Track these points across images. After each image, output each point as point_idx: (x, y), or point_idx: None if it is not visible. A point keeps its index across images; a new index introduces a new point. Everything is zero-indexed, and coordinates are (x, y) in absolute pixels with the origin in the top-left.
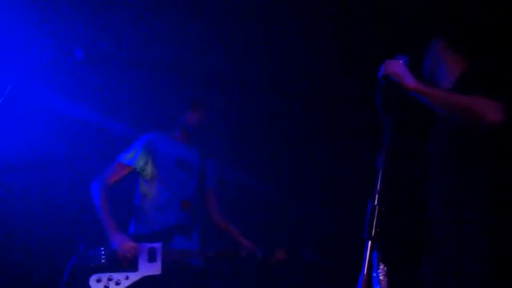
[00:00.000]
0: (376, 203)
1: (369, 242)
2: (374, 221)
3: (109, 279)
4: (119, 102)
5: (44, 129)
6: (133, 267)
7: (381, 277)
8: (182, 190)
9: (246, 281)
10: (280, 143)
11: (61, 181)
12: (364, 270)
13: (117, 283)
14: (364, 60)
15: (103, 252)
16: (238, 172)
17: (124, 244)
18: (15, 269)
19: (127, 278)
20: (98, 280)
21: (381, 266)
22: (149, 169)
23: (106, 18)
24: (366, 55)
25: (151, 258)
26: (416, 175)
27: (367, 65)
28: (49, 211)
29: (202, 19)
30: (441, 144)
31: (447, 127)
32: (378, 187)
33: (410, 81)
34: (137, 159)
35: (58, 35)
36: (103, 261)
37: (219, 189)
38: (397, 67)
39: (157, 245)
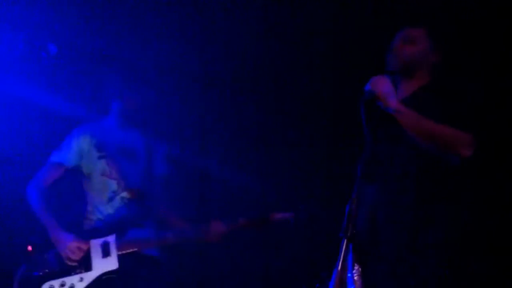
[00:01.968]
0: (354, 206)
1: (345, 240)
2: (351, 223)
3: (62, 285)
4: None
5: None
6: (87, 267)
7: (355, 278)
8: (127, 179)
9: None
10: (276, 143)
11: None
12: (338, 267)
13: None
14: (360, 60)
15: (53, 256)
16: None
17: (68, 245)
18: None
19: (81, 280)
20: None
21: (356, 267)
22: (87, 164)
23: (80, 12)
24: (362, 56)
25: (106, 253)
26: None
27: (363, 65)
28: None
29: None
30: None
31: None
32: (357, 192)
33: (392, 101)
34: (70, 156)
35: (31, 30)
36: (53, 266)
37: (170, 175)
38: (383, 85)
39: (111, 239)
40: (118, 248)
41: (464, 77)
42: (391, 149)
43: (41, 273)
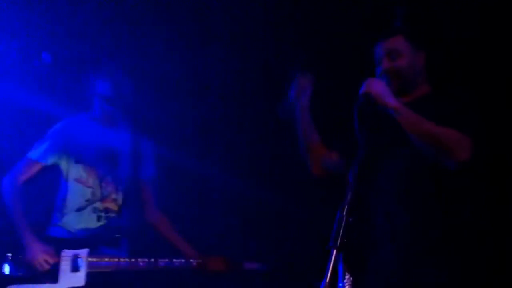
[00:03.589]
0: (344, 213)
1: (334, 251)
2: (341, 231)
3: None
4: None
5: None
6: (54, 279)
7: (347, 287)
8: (104, 188)
9: None
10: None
11: None
12: (326, 279)
13: None
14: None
15: (22, 261)
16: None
17: (39, 253)
18: None
19: None
20: None
21: (347, 276)
22: (64, 165)
23: (72, 21)
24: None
25: (74, 268)
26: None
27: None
28: None
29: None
30: (400, 163)
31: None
32: (348, 198)
33: (391, 100)
34: (46, 154)
35: (24, 38)
36: (21, 271)
37: (157, 179)
38: (379, 86)
39: (82, 254)
40: (88, 265)
41: (462, 84)
42: (387, 153)
43: (8, 275)
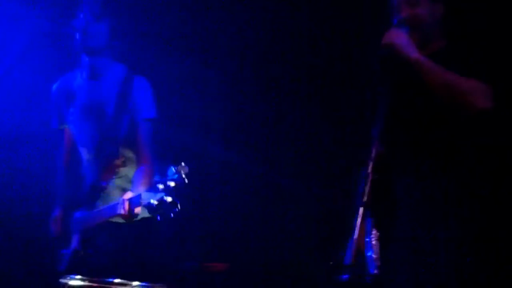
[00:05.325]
0: (369, 170)
1: (361, 209)
2: (367, 188)
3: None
4: None
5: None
6: (67, 244)
7: (373, 242)
8: (91, 144)
9: None
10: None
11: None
12: (355, 235)
13: None
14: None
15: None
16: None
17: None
18: None
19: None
20: None
21: (374, 231)
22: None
23: None
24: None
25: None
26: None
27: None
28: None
29: None
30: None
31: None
32: (372, 155)
33: (412, 53)
34: (55, 118)
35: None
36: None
37: (156, 121)
38: (400, 37)
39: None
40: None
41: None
42: (410, 109)
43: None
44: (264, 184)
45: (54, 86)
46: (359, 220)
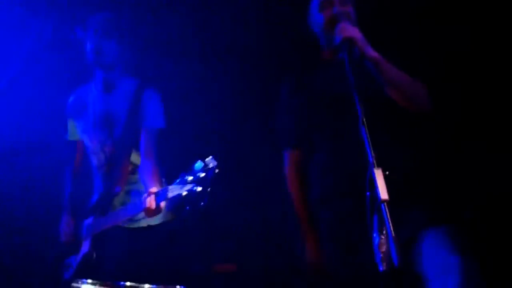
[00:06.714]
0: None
1: (384, 205)
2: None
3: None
4: None
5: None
6: (76, 251)
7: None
8: (106, 153)
9: None
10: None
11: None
12: (391, 233)
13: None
14: None
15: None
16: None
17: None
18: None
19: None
20: None
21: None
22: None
23: None
24: None
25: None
26: None
27: None
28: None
29: None
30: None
31: None
32: (371, 153)
33: (371, 50)
34: (68, 130)
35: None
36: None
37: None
38: (355, 31)
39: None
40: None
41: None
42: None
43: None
44: (273, 186)
45: (70, 99)
46: (388, 216)
